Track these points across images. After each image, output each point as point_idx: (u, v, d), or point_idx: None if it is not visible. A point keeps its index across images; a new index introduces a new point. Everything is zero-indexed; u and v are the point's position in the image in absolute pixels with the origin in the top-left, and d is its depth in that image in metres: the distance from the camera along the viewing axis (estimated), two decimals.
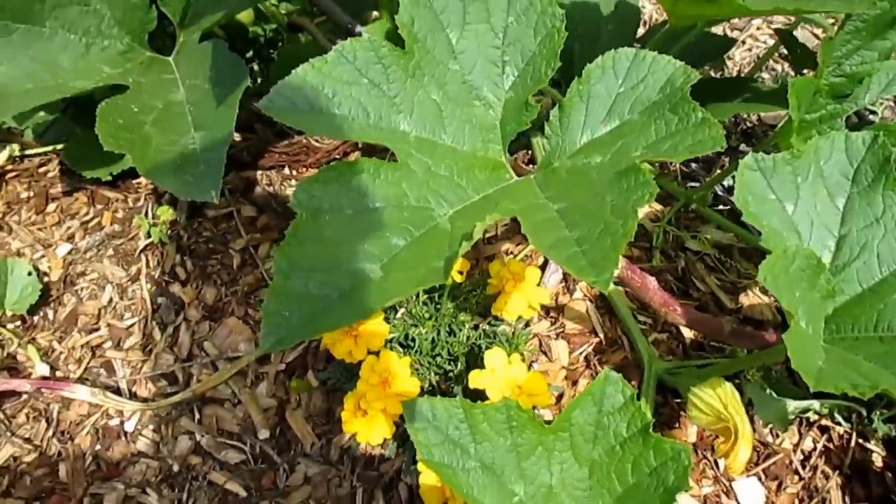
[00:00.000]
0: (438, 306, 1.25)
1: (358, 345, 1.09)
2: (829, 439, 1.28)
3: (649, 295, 1.12)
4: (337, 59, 0.97)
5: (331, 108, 0.95)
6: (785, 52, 1.83)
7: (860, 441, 1.28)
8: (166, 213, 1.49)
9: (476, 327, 1.27)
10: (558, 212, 0.90)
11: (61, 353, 1.39)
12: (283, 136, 1.66)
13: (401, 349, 1.20)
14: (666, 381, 1.24)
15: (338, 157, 1.66)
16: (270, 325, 0.78)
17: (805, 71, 1.94)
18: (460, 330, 1.24)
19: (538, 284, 1.17)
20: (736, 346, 1.20)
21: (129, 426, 1.33)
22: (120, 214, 1.57)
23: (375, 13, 1.99)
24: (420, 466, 1.03)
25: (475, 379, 1.06)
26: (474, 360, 1.22)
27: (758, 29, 2.39)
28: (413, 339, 1.21)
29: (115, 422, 1.33)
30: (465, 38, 1.05)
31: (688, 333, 1.35)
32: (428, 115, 1.01)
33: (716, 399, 1.05)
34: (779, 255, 0.88)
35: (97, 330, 1.42)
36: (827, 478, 1.24)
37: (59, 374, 1.37)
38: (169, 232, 1.51)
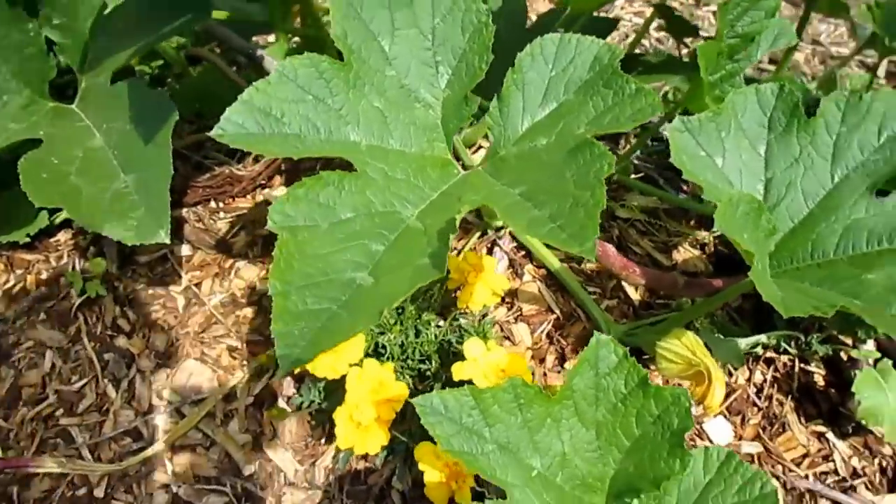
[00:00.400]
0: (401, 311, 1.27)
1: (339, 359, 1.10)
2: (776, 369, 1.39)
3: (610, 261, 1.18)
4: (279, 79, 0.97)
5: (282, 128, 0.95)
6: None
7: (802, 366, 1.39)
8: (98, 265, 1.43)
9: (440, 325, 1.29)
10: (521, 195, 0.94)
11: (10, 430, 1.31)
12: (203, 170, 1.63)
13: (373, 358, 1.21)
14: (626, 342, 1.31)
15: (263, 182, 1.64)
16: (284, 346, 0.78)
17: (689, 40, 2.09)
18: (427, 330, 1.26)
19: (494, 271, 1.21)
20: (689, 296, 1.28)
21: (99, 492, 1.26)
22: (44, 276, 1.49)
23: (272, 38, 1.98)
24: (423, 466, 1.05)
25: (459, 371, 1.09)
26: (446, 355, 1.24)
27: (621, 9, 2.54)
28: (384, 347, 1.22)
29: (82, 490, 1.26)
30: (397, 44, 1.07)
31: (634, 296, 1.42)
32: (374, 123, 1.03)
33: (683, 347, 1.12)
34: (726, 203, 0.96)
35: (45, 399, 1.35)
36: (781, 404, 1.35)
37: (11, 453, 1.29)
38: (103, 285, 1.44)
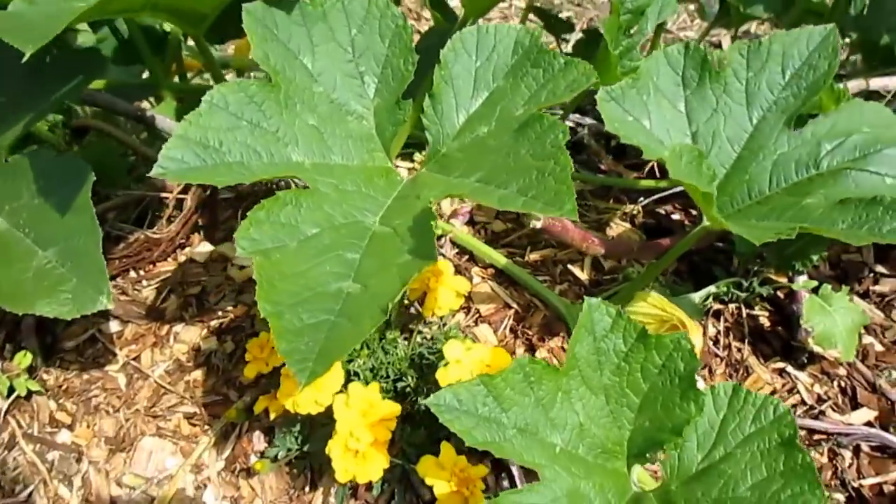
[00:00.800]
0: None
1: (320, 392, 1.05)
2: (726, 320, 1.44)
3: (570, 235, 1.20)
4: (209, 109, 0.93)
5: (223, 157, 0.91)
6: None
7: (748, 311, 1.45)
8: (23, 360, 1.30)
9: (406, 340, 1.26)
10: (479, 181, 0.94)
11: None
12: (114, 241, 1.53)
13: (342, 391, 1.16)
14: None
15: (182, 242, 1.56)
16: (296, 363, 0.73)
17: (565, 36, 2.18)
18: (394, 348, 1.23)
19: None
20: (644, 258, 1.31)
21: None
22: None
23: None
24: (430, 480, 1.01)
25: (444, 376, 1.06)
26: (419, 369, 1.21)
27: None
28: (355, 373, 1.18)
29: None
30: (319, 60, 1.05)
31: (582, 276, 1.45)
32: (313, 141, 1.01)
33: (650, 307, 1.15)
34: (672, 155, 0.99)
35: None
36: (740, 350, 1.40)
37: None
38: (32, 380, 1.32)
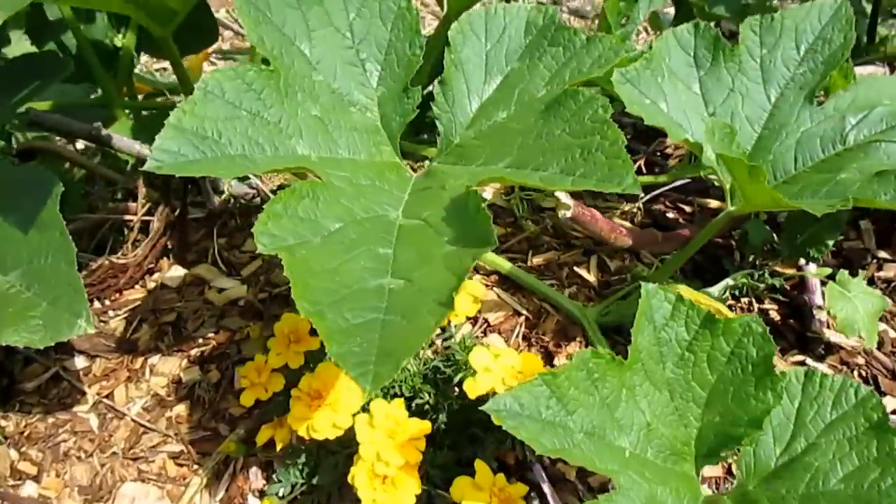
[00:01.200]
0: None
1: (337, 413, 0.93)
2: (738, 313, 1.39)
3: (599, 225, 1.12)
4: (204, 97, 0.82)
5: (224, 149, 0.80)
6: None
7: (759, 306, 1.40)
8: None
9: (416, 356, 1.16)
10: (510, 166, 0.85)
11: None
12: (78, 269, 1.38)
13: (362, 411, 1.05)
14: (603, 322, 1.25)
15: (151, 267, 1.42)
16: (355, 367, 0.62)
17: None
18: (407, 364, 1.12)
19: None
20: (667, 250, 1.24)
21: None
22: None
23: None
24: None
25: (472, 387, 0.96)
26: (434, 383, 1.11)
27: None
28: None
29: None
30: (317, 47, 0.96)
31: (590, 278, 1.37)
32: (318, 133, 0.90)
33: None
34: (709, 132, 0.93)
35: None
36: None
37: None
38: None
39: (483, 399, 1.00)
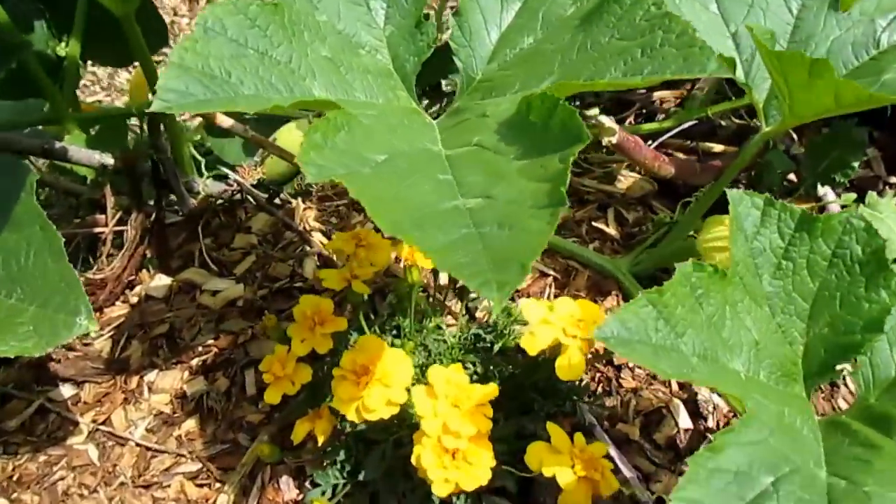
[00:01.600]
0: (396, 332, 1.02)
1: (390, 389, 0.82)
2: None
3: (643, 153, 1.05)
4: (205, 34, 0.71)
5: (237, 89, 0.69)
6: None
7: None
8: None
9: (449, 327, 1.05)
10: (555, 86, 0.76)
11: None
12: None
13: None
14: (636, 272, 1.17)
15: (131, 279, 1.28)
16: (473, 277, 0.51)
17: None
18: (439, 337, 1.02)
19: None
20: (706, 181, 1.17)
21: None
22: None
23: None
24: (547, 470, 0.80)
25: (532, 344, 0.86)
26: (476, 352, 1.01)
27: None
28: None
29: None
30: None
31: (611, 231, 1.29)
32: (332, 75, 0.80)
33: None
34: (756, 38, 0.85)
35: None
36: None
37: None
38: None
39: (539, 359, 0.91)
